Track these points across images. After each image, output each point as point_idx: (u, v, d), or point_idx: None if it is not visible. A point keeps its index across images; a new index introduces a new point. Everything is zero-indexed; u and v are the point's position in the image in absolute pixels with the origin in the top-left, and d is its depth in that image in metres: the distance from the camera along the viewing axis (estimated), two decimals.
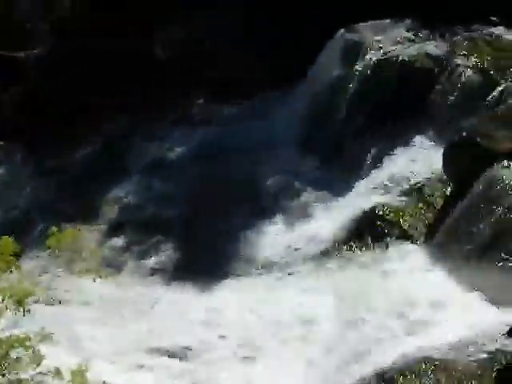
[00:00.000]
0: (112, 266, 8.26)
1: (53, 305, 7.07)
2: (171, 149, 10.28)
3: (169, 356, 6.88)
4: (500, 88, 7.93)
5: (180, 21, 10.80)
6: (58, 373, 3.92)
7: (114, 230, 8.97)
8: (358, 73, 9.06)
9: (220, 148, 9.89)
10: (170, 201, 9.29)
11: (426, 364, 5.68)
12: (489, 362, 5.47)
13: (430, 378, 5.59)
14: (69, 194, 9.45)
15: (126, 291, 7.88)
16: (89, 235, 8.66)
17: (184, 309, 7.48)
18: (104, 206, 9.37)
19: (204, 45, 10.73)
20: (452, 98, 8.28)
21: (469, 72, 8.28)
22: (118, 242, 8.77)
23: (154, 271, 8.35)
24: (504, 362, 5.45)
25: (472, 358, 5.60)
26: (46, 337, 4.07)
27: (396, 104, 8.59)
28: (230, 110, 10.61)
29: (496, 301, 6.10)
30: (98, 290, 7.66)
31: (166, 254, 8.58)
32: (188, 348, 6.97)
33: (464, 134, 7.10)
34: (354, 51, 9.20)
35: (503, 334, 5.46)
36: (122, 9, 10.49)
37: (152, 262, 8.50)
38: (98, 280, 7.61)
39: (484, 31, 9.03)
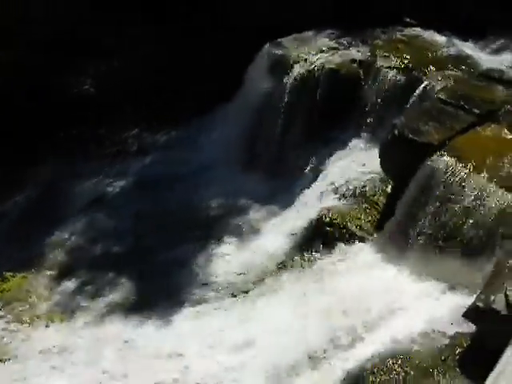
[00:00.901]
0: (65, 311, 8.02)
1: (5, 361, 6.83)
2: (111, 184, 10.15)
3: None
4: (422, 85, 8.28)
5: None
6: None
7: (64, 273, 8.71)
8: (287, 86, 9.24)
9: (159, 178, 9.84)
10: (117, 237, 9.12)
11: (392, 359, 5.81)
12: (450, 347, 5.65)
13: (398, 373, 5.71)
14: (9, 240, 9.12)
15: (82, 336, 7.63)
16: (36, 282, 8.39)
17: (143, 345, 7.31)
18: (49, 249, 9.09)
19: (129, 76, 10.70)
20: (380, 99, 8.58)
21: (392, 72, 8.61)
22: (69, 285, 8.50)
23: (108, 311, 8.12)
24: (465, 344, 5.64)
25: (434, 346, 5.77)
26: None
27: (328, 111, 8.82)
28: (164, 138, 10.63)
29: (448, 287, 6.33)
30: (52, 337, 7.42)
31: (119, 292, 8.39)
32: None
33: (395, 131, 7.34)
34: (281, 65, 9.39)
35: (461, 318, 5.64)
36: None
37: (106, 301, 8.26)
38: (51, 326, 7.37)
39: (402, 32, 9.44)
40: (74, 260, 8.93)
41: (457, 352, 5.66)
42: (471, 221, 6.43)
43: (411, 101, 8.17)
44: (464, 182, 6.60)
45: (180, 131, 10.56)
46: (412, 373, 5.63)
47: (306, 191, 8.63)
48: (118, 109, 10.64)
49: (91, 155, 10.32)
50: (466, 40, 9.21)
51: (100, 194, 10.02)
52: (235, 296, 7.80)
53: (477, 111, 7.45)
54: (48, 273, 8.65)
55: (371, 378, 5.71)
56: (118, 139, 10.77)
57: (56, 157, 10.24)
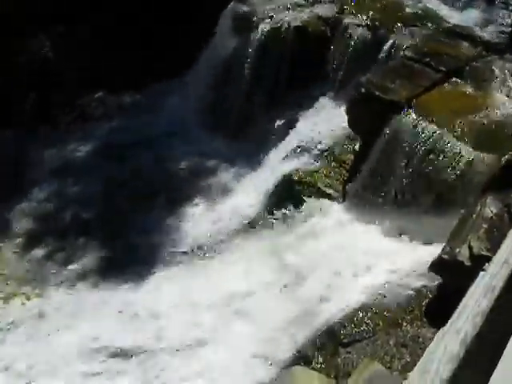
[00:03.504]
0: (36, 279, 7.94)
1: None
2: (76, 150, 9.93)
3: (110, 357, 6.75)
4: (389, 42, 8.25)
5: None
6: None
7: (33, 241, 8.59)
8: (252, 44, 9.08)
9: (125, 142, 9.68)
10: (85, 203, 8.99)
11: (362, 312, 5.96)
12: (417, 299, 5.83)
13: (368, 325, 5.87)
14: None
15: (55, 302, 7.60)
16: (6, 251, 8.26)
17: (116, 307, 7.34)
18: (17, 218, 8.93)
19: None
20: (346, 56, 8.53)
21: (359, 30, 8.54)
22: (39, 252, 8.41)
23: (80, 276, 8.08)
24: (430, 295, 5.82)
25: (402, 298, 5.94)
26: None
27: (294, 70, 8.73)
28: (129, 102, 10.42)
29: (415, 242, 6.48)
30: (26, 308, 7.36)
31: (90, 257, 8.33)
32: (130, 346, 6.88)
33: (362, 89, 7.33)
34: (247, 22, 9.20)
35: (427, 270, 5.79)
36: None
37: (77, 267, 8.22)
38: (23, 294, 7.31)
39: None
40: (43, 228, 8.80)
41: (423, 303, 5.84)
42: (438, 177, 6.54)
43: (378, 58, 8.14)
44: (430, 138, 6.66)
45: (145, 95, 10.35)
46: (381, 324, 5.80)
47: (275, 151, 8.61)
48: (80, 73, 10.33)
49: (53, 121, 10.04)
50: None
51: (65, 161, 9.81)
52: (205, 257, 7.84)
53: (443, 68, 7.49)
54: (17, 241, 8.52)
55: (342, 331, 5.86)
56: (80, 103, 10.50)
57: (17, 124, 9.94)
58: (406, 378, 1.76)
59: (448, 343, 1.56)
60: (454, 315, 1.69)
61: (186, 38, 9.53)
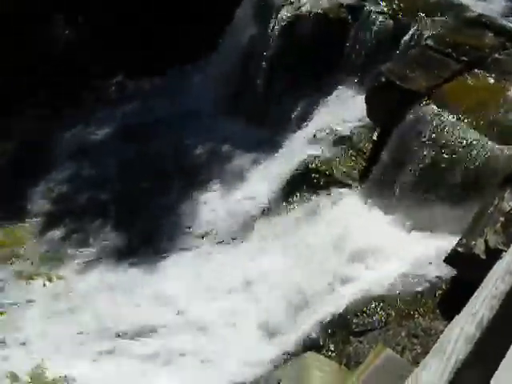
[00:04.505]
0: (55, 260, 8.07)
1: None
2: (95, 132, 10.02)
3: (128, 338, 6.87)
4: (411, 31, 8.15)
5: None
6: (14, 376, 3.84)
7: (50, 222, 8.72)
8: (273, 31, 9.05)
9: (144, 125, 9.74)
10: (103, 185, 9.09)
11: (375, 302, 5.98)
12: (430, 290, 5.83)
13: (381, 315, 5.88)
14: None
15: (72, 283, 7.73)
16: (25, 232, 8.39)
17: (132, 290, 7.44)
18: (35, 200, 9.06)
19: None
20: (367, 45, 8.46)
21: (380, 18, 8.45)
22: (56, 234, 8.54)
23: (97, 258, 8.21)
24: (444, 287, 5.81)
25: (415, 290, 5.94)
26: None
27: (315, 58, 8.68)
28: (147, 86, 10.46)
29: (432, 233, 6.45)
30: (47, 288, 7.50)
31: (106, 239, 8.45)
32: (146, 328, 6.99)
33: (382, 78, 7.28)
34: (267, 8, 9.16)
35: (442, 262, 5.78)
36: None
37: (94, 249, 8.35)
38: (40, 275, 7.45)
39: None
40: (60, 209, 8.92)
41: (437, 295, 5.84)
42: (456, 169, 6.49)
43: (400, 47, 8.06)
44: (449, 130, 6.61)
45: (165, 79, 10.38)
46: (393, 314, 5.81)
47: (292, 139, 8.59)
48: (101, 56, 10.37)
49: (73, 104, 10.12)
50: None
51: (84, 143, 9.90)
52: (220, 242, 7.89)
53: (465, 58, 7.38)
54: (36, 222, 8.65)
55: (354, 320, 5.89)
56: (100, 86, 10.56)
57: (36, 107, 10.03)
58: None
59: (464, 325, 1.59)
60: (472, 298, 1.71)
61: (209, 22, 9.51)
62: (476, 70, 7.28)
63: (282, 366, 5.45)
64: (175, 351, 6.65)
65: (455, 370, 1.54)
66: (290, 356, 5.98)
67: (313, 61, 8.72)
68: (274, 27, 9.03)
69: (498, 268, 1.78)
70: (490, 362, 1.54)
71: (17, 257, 7.80)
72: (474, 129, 6.50)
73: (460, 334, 1.56)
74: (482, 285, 1.72)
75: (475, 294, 1.69)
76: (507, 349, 1.56)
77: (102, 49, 10.29)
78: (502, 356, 1.54)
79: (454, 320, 1.69)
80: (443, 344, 1.59)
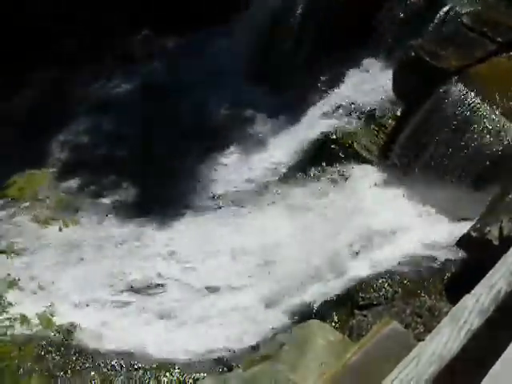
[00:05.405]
0: (69, 209, 8.15)
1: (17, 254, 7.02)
2: (116, 88, 9.99)
3: (136, 291, 6.98)
4: (445, 8, 7.93)
5: None
6: (24, 319, 3.92)
7: (67, 172, 8.79)
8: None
9: (166, 84, 9.68)
10: (121, 140, 9.11)
11: (383, 278, 5.99)
12: (439, 272, 5.81)
13: (387, 291, 5.90)
14: (15, 141, 9.11)
15: (86, 233, 7.83)
16: (41, 179, 8.45)
17: (144, 244, 7.53)
18: (53, 149, 9.12)
19: None
20: (399, 18, 8.26)
21: None
22: (72, 184, 8.61)
23: (111, 211, 8.28)
24: (453, 269, 5.79)
25: (425, 270, 5.93)
26: (11, 284, 4.05)
27: (343, 27, 8.49)
28: (172, 45, 10.36)
29: (447, 214, 6.40)
30: (59, 234, 7.59)
31: (121, 193, 8.51)
32: (155, 282, 7.09)
33: (412, 53, 7.13)
34: None
35: (454, 245, 5.75)
36: None
37: (108, 201, 8.41)
38: (54, 223, 7.54)
39: None
40: (78, 160, 8.98)
41: (445, 277, 5.82)
42: (478, 152, 6.39)
43: (433, 23, 7.86)
44: (475, 112, 6.49)
45: (190, 39, 10.26)
46: (400, 291, 5.82)
47: (314, 108, 8.49)
48: (124, 10, 10.24)
49: (96, 59, 10.07)
50: None
51: (105, 98, 9.89)
52: (235, 206, 7.91)
53: (500, 39, 7.18)
54: (52, 171, 8.71)
55: (361, 294, 5.92)
56: (125, 43, 10.48)
57: (59, 62, 9.98)
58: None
59: (480, 297, 1.58)
60: (490, 271, 1.70)
61: None
62: (510, 52, 7.09)
63: (287, 331, 5.50)
64: (179, 307, 6.74)
65: (465, 340, 1.54)
66: (293, 322, 6.03)
67: (341, 31, 8.54)
68: None
69: None
70: (503, 337, 1.53)
71: (34, 201, 7.87)
72: (500, 113, 6.37)
73: (475, 305, 1.55)
74: (502, 259, 1.70)
75: (494, 267, 1.67)
76: None
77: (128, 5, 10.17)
78: None
79: (473, 291, 1.68)
80: (457, 313, 1.59)
